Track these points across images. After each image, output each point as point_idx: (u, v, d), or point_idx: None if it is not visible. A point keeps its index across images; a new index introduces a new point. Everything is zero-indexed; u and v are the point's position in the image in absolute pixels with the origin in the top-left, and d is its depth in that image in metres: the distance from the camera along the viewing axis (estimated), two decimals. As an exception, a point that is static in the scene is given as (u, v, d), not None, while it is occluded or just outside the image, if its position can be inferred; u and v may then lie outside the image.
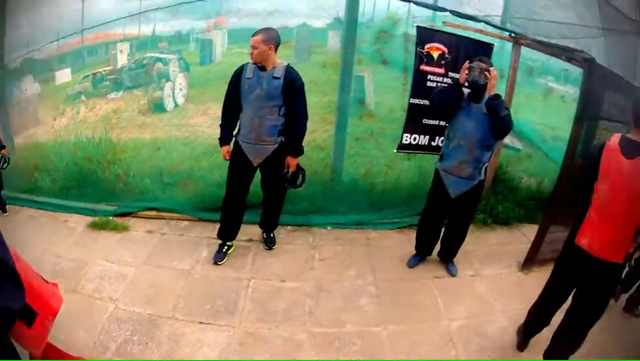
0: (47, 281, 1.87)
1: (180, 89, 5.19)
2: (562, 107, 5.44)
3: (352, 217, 3.97)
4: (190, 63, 5.31)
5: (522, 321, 2.72)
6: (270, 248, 3.53)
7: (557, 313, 2.48)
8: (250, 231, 3.63)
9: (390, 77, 4.35)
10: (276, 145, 3.12)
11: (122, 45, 4.97)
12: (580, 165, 2.77)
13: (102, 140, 4.21)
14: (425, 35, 3.55)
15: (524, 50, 4.02)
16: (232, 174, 3.23)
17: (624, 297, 3.15)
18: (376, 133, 4.26)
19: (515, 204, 4.28)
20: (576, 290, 2.35)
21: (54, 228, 3.65)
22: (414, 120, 3.70)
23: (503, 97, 3.05)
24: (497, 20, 4.16)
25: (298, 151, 3.18)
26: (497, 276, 3.44)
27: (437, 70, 3.62)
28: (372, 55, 4.33)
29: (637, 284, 3.08)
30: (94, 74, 4.98)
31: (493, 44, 3.69)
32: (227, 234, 3.38)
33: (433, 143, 3.77)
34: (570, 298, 2.40)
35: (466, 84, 2.93)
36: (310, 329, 2.77)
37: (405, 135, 3.73)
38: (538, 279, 2.82)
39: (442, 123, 3.50)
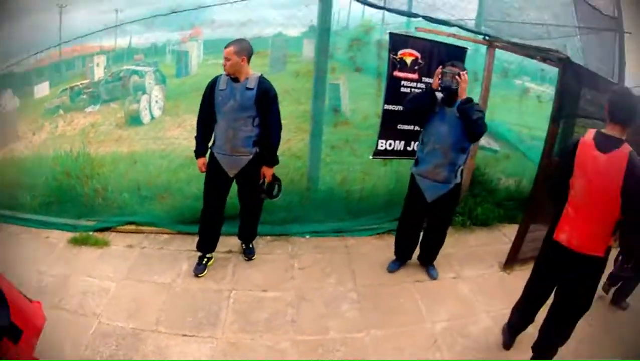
0: (30, 300, 1.90)
1: (157, 102, 5.14)
2: (539, 106, 5.54)
3: (331, 224, 3.97)
4: (166, 75, 5.26)
5: (506, 320, 2.76)
6: (249, 259, 3.52)
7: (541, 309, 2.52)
8: (229, 242, 3.61)
9: (364, 84, 4.38)
10: (251, 156, 3.12)
11: (98, 58, 4.92)
12: (557, 162, 2.81)
13: (80, 154, 4.15)
14: (398, 41, 3.58)
15: (500, 52, 4.06)
16: (208, 186, 3.22)
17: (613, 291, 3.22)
18: (351, 141, 4.27)
19: (494, 205, 4.33)
20: (558, 286, 2.39)
21: (36, 245, 3.59)
22: (388, 126, 3.72)
23: (477, 100, 3.08)
24: (471, 24, 4.22)
25: (273, 161, 3.18)
26: (479, 277, 3.47)
27: (410, 75, 3.64)
28: (346, 62, 4.36)
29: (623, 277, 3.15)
30: (71, 88, 4.92)
31: (467, 48, 3.72)
32: (206, 246, 3.36)
33: (409, 149, 3.79)
34: (553, 294, 2.44)
35: (440, 89, 2.97)
36: (293, 337, 2.77)
37: (380, 141, 3.74)
38: (520, 278, 2.85)
39: (417, 128, 3.53)
